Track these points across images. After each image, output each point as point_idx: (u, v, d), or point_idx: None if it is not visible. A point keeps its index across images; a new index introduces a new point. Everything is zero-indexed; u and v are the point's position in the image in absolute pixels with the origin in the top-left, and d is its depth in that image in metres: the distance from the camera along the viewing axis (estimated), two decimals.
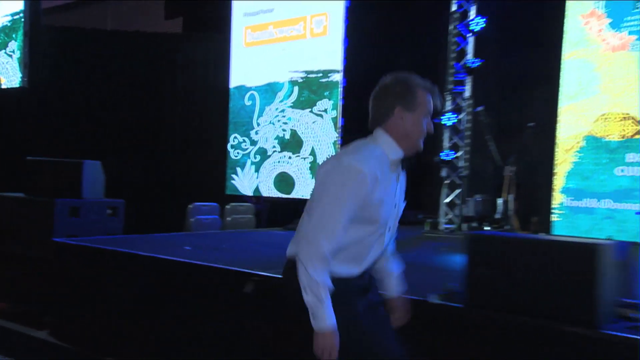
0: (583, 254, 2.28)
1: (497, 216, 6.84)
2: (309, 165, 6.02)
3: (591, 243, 2.40)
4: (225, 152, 6.76)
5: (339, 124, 5.71)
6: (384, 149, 1.90)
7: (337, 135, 5.75)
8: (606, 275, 2.27)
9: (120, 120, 7.79)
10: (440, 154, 6.18)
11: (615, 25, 6.03)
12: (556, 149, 6.46)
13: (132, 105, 7.76)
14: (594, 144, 6.15)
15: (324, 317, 1.82)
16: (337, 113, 5.75)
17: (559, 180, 6.44)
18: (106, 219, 4.84)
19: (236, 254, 4.18)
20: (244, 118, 6.59)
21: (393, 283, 2.13)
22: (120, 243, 4.12)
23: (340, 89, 5.71)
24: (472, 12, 6.17)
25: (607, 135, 6.07)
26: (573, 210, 6.33)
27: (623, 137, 5.97)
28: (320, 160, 5.91)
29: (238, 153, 6.69)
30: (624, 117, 5.96)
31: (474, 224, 6.44)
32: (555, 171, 6.48)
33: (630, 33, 5.93)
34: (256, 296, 3.09)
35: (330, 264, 1.84)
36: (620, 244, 2.50)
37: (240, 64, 6.65)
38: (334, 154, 5.64)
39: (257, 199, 6.61)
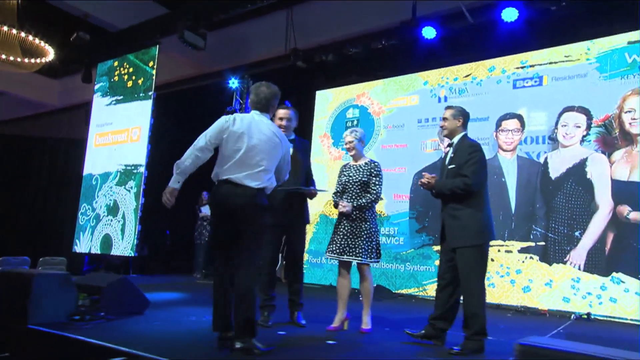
0: (24, 280, 3.06)
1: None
2: (121, 226, 7.21)
3: (29, 272, 3.18)
4: (75, 219, 7.96)
5: (140, 200, 7.14)
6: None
7: (137, 205, 7.07)
8: (40, 293, 2.99)
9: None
10: None
11: (336, 144, 7.94)
12: None
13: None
14: (324, 220, 7.76)
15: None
16: (138, 191, 7.08)
17: (306, 244, 8.02)
18: None
19: None
20: (91, 192, 7.83)
21: None
22: None
23: (142, 177, 7.07)
24: None
25: (330, 214, 7.75)
26: (312, 265, 7.85)
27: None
28: (128, 223, 7.13)
29: (83, 219, 7.82)
30: None
31: None
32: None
33: (342, 150, 7.83)
34: None
35: None
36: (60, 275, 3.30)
37: (91, 158, 8.00)
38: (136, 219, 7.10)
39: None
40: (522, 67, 6.19)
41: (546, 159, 5.81)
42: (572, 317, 4.99)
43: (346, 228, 3.64)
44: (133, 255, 6.96)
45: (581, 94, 5.68)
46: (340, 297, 3.65)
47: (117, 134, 7.67)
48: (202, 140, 2.84)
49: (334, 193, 3.86)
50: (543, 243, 5.64)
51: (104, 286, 3.29)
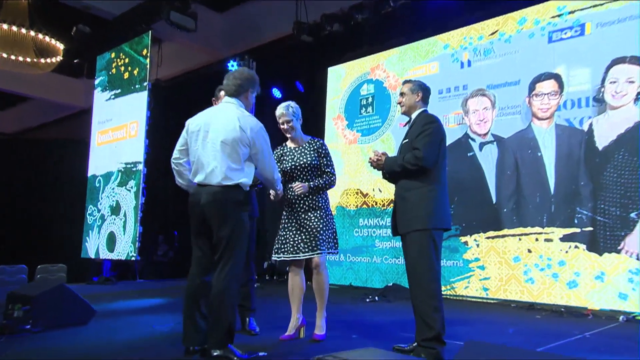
0: None
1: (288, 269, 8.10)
2: (122, 223, 7.33)
3: None
4: (83, 219, 8.19)
5: (140, 200, 7.17)
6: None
7: (137, 203, 7.11)
8: None
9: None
10: None
11: (350, 126, 7.52)
12: None
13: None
14: (341, 212, 7.41)
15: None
16: (138, 189, 7.13)
17: None
18: None
19: None
20: (95, 194, 8.04)
21: None
22: None
23: (142, 175, 7.14)
24: None
25: (348, 205, 7.37)
26: (330, 263, 7.51)
27: (356, 207, 7.27)
28: (129, 220, 7.25)
29: (91, 219, 8.05)
30: (357, 192, 7.29)
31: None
32: None
33: (357, 132, 7.42)
34: None
35: None
36: None
37: (94, 159, 8.17)
38: (127, 221, 7.20)
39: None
40: (558, 16, 5.45)
41: (591, 125, 5.07)
42: (620, 318, 4.30)
43: (299, 221, 3.28)
44: (136, 258, 7.00)
45: (634, 41, 4.88)
46: (293, 301, 3.32)
47: (117, 130, 7.76)
48: (176, 152, 2.91)
49: None
50: (590, 228, 4.93)
51: (34, 296, 3.18)
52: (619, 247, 4.75)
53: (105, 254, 7.59)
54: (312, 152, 3.35)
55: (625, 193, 4.77)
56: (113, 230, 7.48)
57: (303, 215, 3.28)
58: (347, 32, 6.96)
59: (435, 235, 2.79)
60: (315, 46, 7.40)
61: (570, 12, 5.38)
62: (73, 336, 3.16)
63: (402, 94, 3.10)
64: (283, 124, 3.40)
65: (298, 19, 7.14)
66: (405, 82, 3.14)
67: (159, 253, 8.69)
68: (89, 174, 8.23)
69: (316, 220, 3.26)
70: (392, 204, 6.69)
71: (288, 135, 3.43)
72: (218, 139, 2.72)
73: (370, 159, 3.07)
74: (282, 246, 3.31)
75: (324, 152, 3.37)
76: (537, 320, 4.28)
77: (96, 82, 8.41)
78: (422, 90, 3.07)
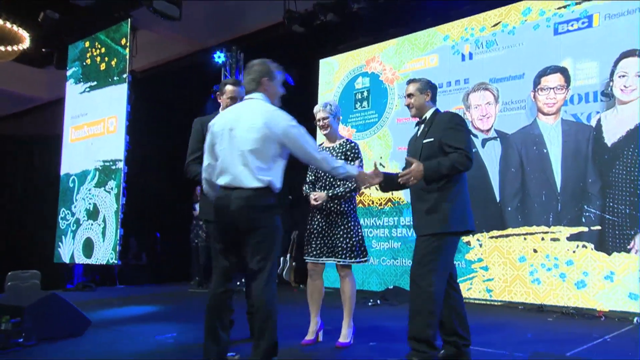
0: None
1: (278, 272, 8.09)
2: (102, 230, 7.21)
3: None
4: (56, 224, 8.02)
5: (121, 200, 7.05)
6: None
7: (118, 207, 7.02)
8: None
9: None
10: None
11: (344, 121, 7.52)
12: None
13: None
14: None
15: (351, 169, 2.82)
16: (118, 191, 7.03)
17: None
18: None
19: None
20: (69, 196, 7.90)
21: None
22: None
23: (122, 175, 7.02)
24: None
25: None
26: (327, 265, 7.54)
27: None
28: (109, 225, 7.14)
29: (64, 223, 7.91)
30: None
31: None
32: None
33: (352, 127, 7.45)
34: None
35: None
36: None
37: (67, 156, 8.02)
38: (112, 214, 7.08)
39: None
40: (565, 6, 5.57)
41: (599, 120, 5.20)
42: (635, 320, 4.43)
43: (321, 225, 3.43)
44: (117, 263, 6.89)
45: None
46: (312, 304, 3.45)
47: (93, 125, 7.62)
48: (205, 159, 2.83)
49: (306, 183, 3.55)
50: (599, 227, 5.07)
51: (25, 306, 3.11)
52: (628, 247, 4.89)
53: (81, 259, 7.45)
54: (339, 155, 3.42)
55: (634, 191, 4.91)
56: (90, 236, 7.34)
57: (325, 219, 3.39)
58: (341, 22, 6.97)
59: (448, 240, 2.80)
60: (307, 37, 7.39)
61: (577, 3, 5.50)
62: (71, 349, 3.11)
63: (409, 95, 3.06)
64: (319, 120, 3.49)
65: (289, 7, 7.12)
66: (410, 81, 3.11)
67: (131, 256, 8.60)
68: (62, 172, 8.06)
69: (336, 227, 3.36)
70: (389, 203, 6.85)
71: (323, 133, 3.52)
72: (244, 138, 2.66)
73: (401, 175, 2.82)
74: (307, 248, 3.47)
75: (353, 155, 3.41)
76: (550, 324, 4.39)
77: (68, 73, 8.23)
78: (431, 88, 3.07)
